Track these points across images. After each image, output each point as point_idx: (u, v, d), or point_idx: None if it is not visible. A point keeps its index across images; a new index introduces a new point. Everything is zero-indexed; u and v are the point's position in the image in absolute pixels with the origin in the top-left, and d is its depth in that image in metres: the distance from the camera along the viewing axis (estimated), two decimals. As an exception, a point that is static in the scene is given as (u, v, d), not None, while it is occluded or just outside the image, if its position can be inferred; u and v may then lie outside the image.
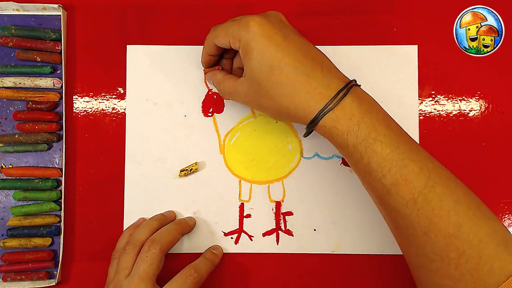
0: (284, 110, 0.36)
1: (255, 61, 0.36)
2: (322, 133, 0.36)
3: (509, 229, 0.45)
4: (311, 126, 0.36)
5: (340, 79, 0.36)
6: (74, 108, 0.47)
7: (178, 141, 0.46)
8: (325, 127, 0.35)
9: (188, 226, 0.44)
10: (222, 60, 0.43)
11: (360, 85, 0.37)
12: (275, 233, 0.46)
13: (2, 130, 0.46)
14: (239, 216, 0.46)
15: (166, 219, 0.44)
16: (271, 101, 0.36)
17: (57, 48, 0.46)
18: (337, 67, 0.39)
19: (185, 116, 0.46)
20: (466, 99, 0.46)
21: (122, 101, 0.47)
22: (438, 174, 0.34)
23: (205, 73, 0.44)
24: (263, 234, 0.46)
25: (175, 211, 0.46)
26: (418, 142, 0.45)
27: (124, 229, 0.45)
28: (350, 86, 0.35)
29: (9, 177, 0.46)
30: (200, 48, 0.46)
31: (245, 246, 0.46)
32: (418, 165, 0.33)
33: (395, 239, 0.37)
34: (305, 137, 0.38)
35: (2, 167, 0.46)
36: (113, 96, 0.47)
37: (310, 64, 0.35)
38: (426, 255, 0.33)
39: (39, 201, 0.46)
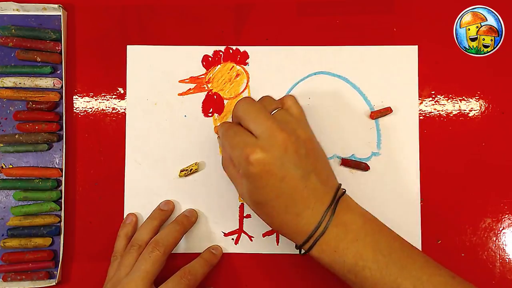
0: (274, 228, 0.39)
1: (246, 190, 0.36)
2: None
3: (509, 229, 0.45)
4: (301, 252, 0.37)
5: (326, 205, 0.36)
6: (74, 108, 0.47)
7: (178, 141, 0.46)
8: (312, 256, 0.37)
9: (190, 223, 0.44)
10: None
11: (345, 191, 0.38)
12: (275, 233, 0.46)
13: (2, 130, 0.46)
14: (239, 216, 0.46)
15: (166, 214, 0.44)
16: (262, 216, 0.38)
17: (57, 48, 0.46)
18: (337, 67, 0.39)
19: (185, 116, 0.46)
20: (466, 99, 0.46)
21: (122, 101, 0.47)
22: (432, 285, 0.34)
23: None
24: (263, 234, 0.46)
25: (173, 201, 0.46)
26: (418, 142, 0.45)
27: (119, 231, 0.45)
28: (334, 209, 0.36)
29: (9, 177, 0.46)
30: (200, 48, 0.46)
31: (245, 246, 0.46)
32: (411, 281, 0.34)
33: None
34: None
35: (2, 167, 0.46)
36: (113, 96, 0.47)
37: (301, 202, 0.35)
38: None
39: (39, 201, 0.46)
